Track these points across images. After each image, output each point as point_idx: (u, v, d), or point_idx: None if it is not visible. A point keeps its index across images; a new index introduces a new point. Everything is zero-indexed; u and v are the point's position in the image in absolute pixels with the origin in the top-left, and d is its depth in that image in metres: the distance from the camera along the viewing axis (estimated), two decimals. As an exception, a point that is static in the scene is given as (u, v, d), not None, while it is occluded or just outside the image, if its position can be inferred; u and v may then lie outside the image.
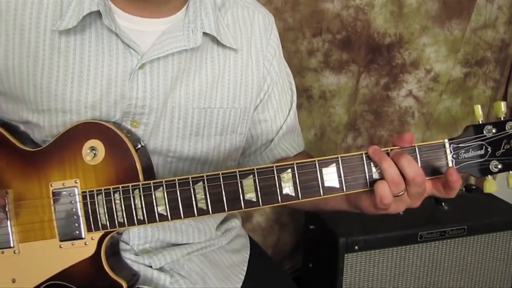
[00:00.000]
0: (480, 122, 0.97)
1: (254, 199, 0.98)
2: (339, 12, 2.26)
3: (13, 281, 1.07)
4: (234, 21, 1.24)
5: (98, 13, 1.07)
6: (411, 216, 1.99)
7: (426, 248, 2.02)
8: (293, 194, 0.97)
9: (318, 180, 0.97)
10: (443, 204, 2.17)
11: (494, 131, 0.96)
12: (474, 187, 2.40)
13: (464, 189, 2.39)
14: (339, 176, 0.97)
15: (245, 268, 1.36)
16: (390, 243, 1.98)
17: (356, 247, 1.94)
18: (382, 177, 0.95)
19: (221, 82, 1.20)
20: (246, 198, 0.98)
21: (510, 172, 0.97)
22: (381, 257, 1.99)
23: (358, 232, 1.95)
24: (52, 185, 1.06)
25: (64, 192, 1.06)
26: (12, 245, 1.07)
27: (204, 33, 1.16)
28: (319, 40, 2.30)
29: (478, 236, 2.07)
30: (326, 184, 0.97)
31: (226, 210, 0.99)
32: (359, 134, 2.54)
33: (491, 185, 0.98)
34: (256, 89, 1.26)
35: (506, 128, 0.95)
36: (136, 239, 1.19)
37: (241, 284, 1.31)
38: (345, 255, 1.95)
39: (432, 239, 2.00)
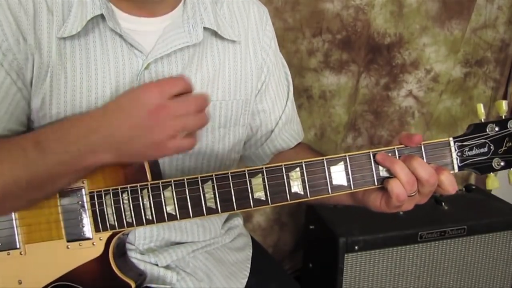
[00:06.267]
0: (483, 121, 0.98)
1: (263, 198, 0.98)
2: (339, 12, 2.27)
3: (20, 282, 1.06)
4: (231, 13, 1.24)
5: (101, 17, 1.07)
6: (411, 216, 2.00)
7: (426, 248, 2.02)
8: (302, 193, 0.98)
9: (326, 179, 0.98)
10: (443, 204, 2.18)
11: (496, 129, 0.97)
12: (474, 187, 2.41)
13: (464, 189, 2.40)
14: (347, 174, 0.98)
15: (249, 266, 1.36)
16: (390, 243, 1.98)
17: (356, 247, 1.94)
18: (390, 175, 0.96)
19: (221, 74, 1.21)
20: (255, 197, 0.99)
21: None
22: (381, 257, 1.99)
23: (358, 232, 1.96)
24: (59, 185, 1.06)
25: (71, 193, 1.05)
26: (18, 246, 1.06)
27: (205, 28, 1.16)
28: (319, 40, 2.30)
29: (478, 236, 2.07)
30: (334, 182, 0.98)
31: (235, 209, 0.99)
32: (359, 134, 2.55)
33: (493, 182, 1.00)
34: (256, 79, 1.27)
35: (508, 126, 0.97)
36: (141, 239, 1.19)
37: (246, 280, 1.31)
38: (345, 255, 1.95)
39: (432, 239, 2.01)
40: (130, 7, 1.11)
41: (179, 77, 0.98)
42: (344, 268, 1.96)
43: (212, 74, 1.19)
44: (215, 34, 1.19)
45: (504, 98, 2.62)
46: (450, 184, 0.95)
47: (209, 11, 1.17)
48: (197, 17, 1.16)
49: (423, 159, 0.97)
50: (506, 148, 0.97)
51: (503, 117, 0.98)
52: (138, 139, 0.94)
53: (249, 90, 1.26)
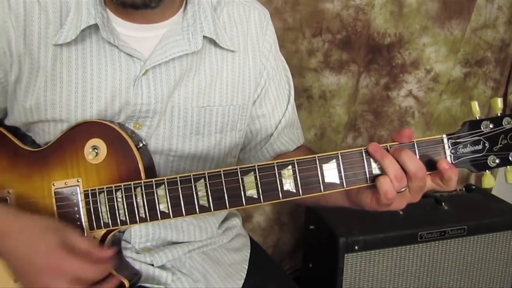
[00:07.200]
0: (478, 118, 0.98)
1: (255, 196, 0.98)
2: (339, 12, 2.27)
3: (15, 280, 1.07)
4: (230, 19, 1.24)
5: (96, 25, 1.08)
6: (411, 216, 2.01)
7: (426, 248, 2.02)
8: (294, 191, 0.98)
9: (318, 176, 0.97)
10: (443, 204, 2.17)
11: (491, 126, 0.96)
12: (474, 187, 2.40)
13: (464, 189, 2.39)
14: (339, 172, 0.97)
15: (246, 267, 1.36)
16: (390, 243, 1.98)
17: (356, 247, 1.94)
18: (382, 172, 0.95)
19: (219, 80, 1.21)
20: (247, 195, 0.98)
21: (508, 167, 0.97)
22: (381, 257, 1.98)
23: (358, 232, 1.95)
24: (54, 184, 1.07)
25: (66, 191, 1.06)
26: (14, 243, 1.07)
27: (204, 36, 1.16)
28: (319, 40, 2.30)
29: (478, 236, 2.06)
30: (327, 180, 0.97)
31: (228, 207, 0.99)
32: (359, 134, 2.54)
33: (489, 180, 0.99)
34: (254, 85, 1.27)
35: (503, 124, 0.96)
36: (137, 237, 1.19)
37: (243, 281, 1.31)
38: (345, 255, 1.95)
39: (432, 239, 2.00)
40: (128, 15, 1.12)
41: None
42: (344, 268, 1.96)
43: (209, 80, 1.19)
44: (213, 42, 1.19)
45: (504, 98, 2.61)
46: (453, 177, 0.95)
47: (209, 19, 1.17)
48: (197, 25, 1.16)
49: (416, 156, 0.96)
50: (501, 145, 0.96)
51: (499, 114, 0.97)
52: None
53: (246, 96, 1.26)
